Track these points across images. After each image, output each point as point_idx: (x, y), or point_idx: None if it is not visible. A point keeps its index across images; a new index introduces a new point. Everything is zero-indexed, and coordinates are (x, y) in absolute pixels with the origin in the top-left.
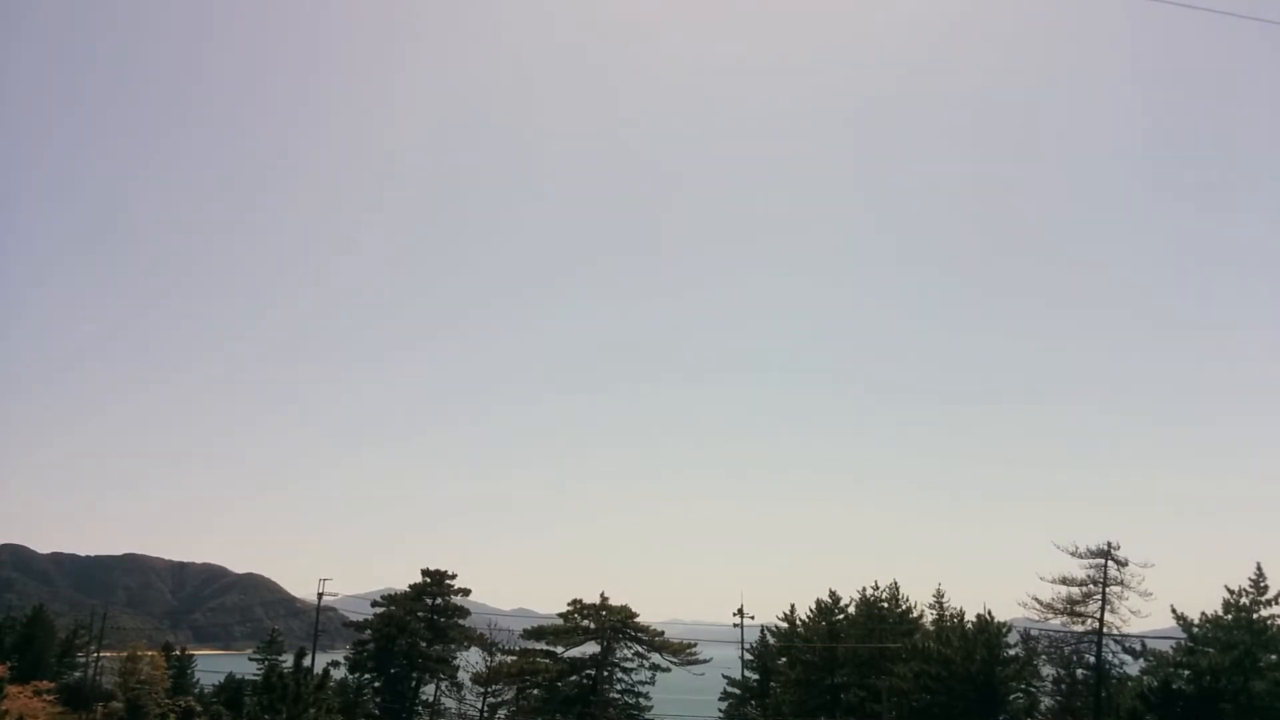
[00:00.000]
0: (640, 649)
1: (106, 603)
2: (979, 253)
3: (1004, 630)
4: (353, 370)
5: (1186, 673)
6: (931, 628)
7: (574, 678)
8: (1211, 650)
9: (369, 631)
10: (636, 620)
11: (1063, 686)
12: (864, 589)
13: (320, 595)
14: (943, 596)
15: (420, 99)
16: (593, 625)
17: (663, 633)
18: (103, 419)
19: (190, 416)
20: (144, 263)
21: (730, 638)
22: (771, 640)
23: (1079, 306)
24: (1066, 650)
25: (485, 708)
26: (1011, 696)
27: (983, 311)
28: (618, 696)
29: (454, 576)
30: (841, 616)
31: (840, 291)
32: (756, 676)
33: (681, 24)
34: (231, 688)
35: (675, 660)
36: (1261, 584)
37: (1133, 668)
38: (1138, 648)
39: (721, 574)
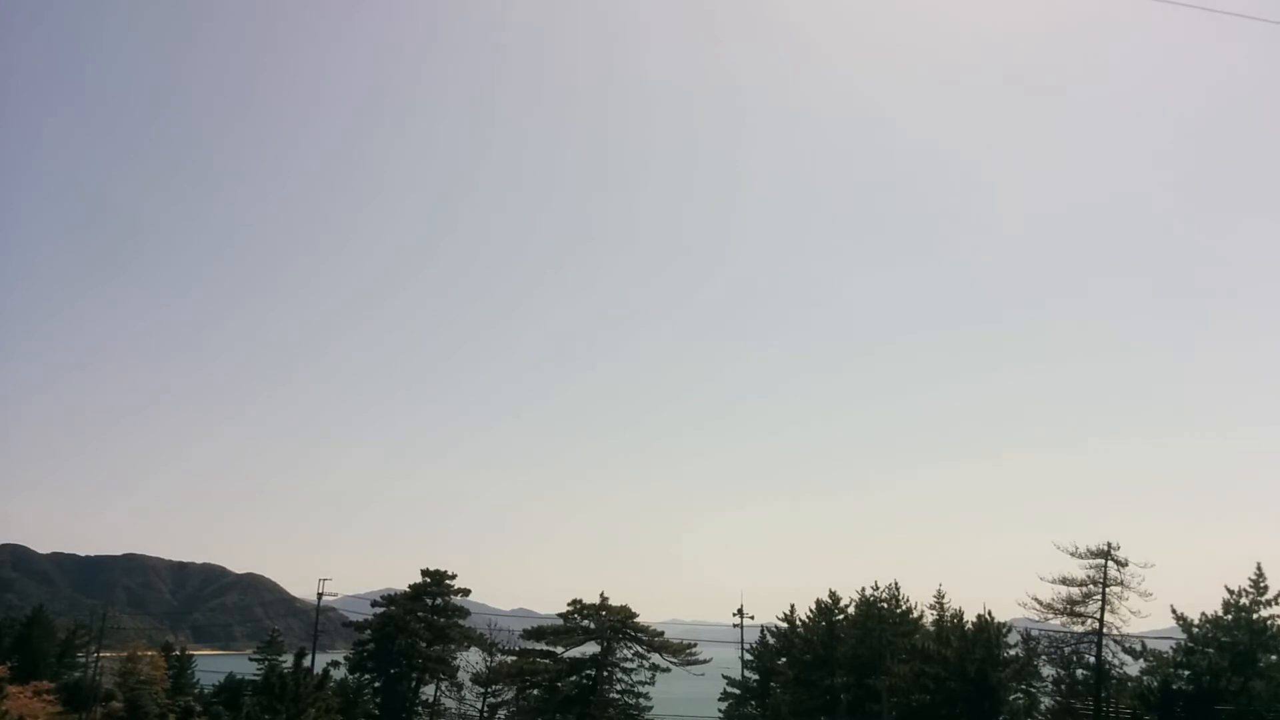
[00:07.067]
0: (640, 649)
1: (106, 603)
2: (975, 249)
3: (1004, 630)
4: (352, 370)
5: (1186, 673)
6: (932, 628)
7: (574, 678)
8: (1211, 650)
9: (369, 632)
10: (636, 620)
11: (1062, 687)
12: (864, 589)
13: (320, 595)
14: (943, 597)
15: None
16: (592, 625)
17: (663, 633)
18: (103, 419)
19: (191, 416)
20: (144, 262)
21: (730, 638)
22: (771, 640)
23: (1081, 307)
24: (1066, 650)
25: (485, 708)
26: (1011, 697)
27: (985, 312)
28: (617, 697)
29: (454, 576)
30: (841, 617)
31: (843, 289)
32: (756, 677)
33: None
34: (231, 688)
35: (675, 660)
36: (1261, 584)
37: (1133, 668)
38: (1138, 648)
39: (721, 574)
